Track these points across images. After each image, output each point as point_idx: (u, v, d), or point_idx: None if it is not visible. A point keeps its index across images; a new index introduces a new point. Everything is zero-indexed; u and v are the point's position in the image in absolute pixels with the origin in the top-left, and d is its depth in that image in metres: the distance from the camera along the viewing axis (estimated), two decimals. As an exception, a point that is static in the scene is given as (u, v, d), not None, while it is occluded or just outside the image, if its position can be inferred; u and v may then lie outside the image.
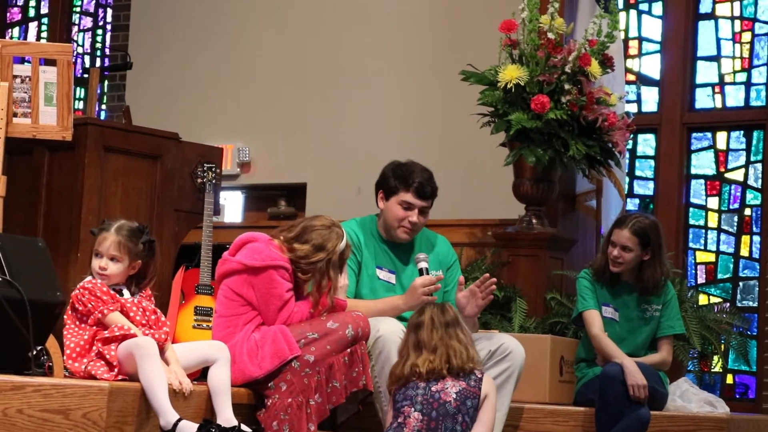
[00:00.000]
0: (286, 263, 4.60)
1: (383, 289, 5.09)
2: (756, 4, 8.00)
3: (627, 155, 7.50)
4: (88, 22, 10.64)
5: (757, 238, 7.74)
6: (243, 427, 4.24)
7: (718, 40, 8.06)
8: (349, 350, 4.58)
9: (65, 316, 4.33)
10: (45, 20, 10.75)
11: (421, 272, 5.00)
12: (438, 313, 4.63)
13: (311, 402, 4.49)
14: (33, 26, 10.83)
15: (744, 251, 7.79)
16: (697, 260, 7.92)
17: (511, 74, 6.34)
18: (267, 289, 4.57)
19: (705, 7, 8.12)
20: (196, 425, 4.06)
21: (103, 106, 10.12)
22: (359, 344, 4.62)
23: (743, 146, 7.92)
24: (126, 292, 4.39)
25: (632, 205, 8.04)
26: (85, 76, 9.97)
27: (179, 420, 4.03)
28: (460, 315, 4.76)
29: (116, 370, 4.16)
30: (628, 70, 7.92)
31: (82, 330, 4.28)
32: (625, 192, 7.18)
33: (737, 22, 8.04)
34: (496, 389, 4.75)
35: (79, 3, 10.67)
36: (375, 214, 5.28)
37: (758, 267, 7.66)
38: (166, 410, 4.04)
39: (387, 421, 4.59)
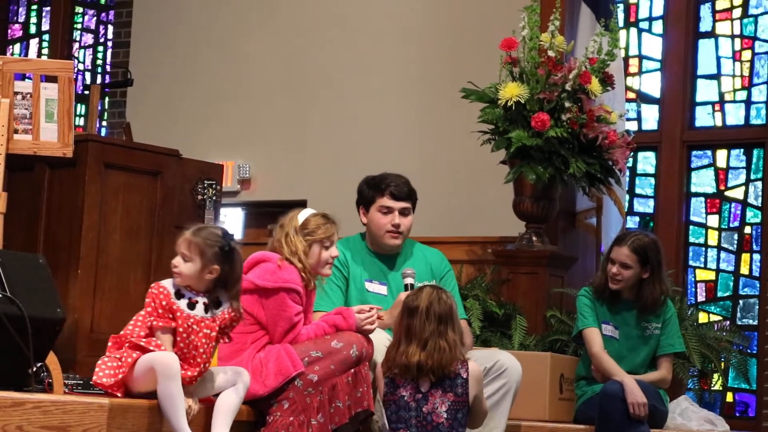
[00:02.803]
0: (298, 286, 4.58)
1: (374, 301, 5.06)
2: (756, 22, 8.01)
3: (627, 173, 7.50)
4: (89, 38, 10.66)
5: (757, 257, 7.73)
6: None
7: (718, 59, 8.08)
8: (352, 371, 4.56)
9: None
10: (46, 37, 10.77)
11: (406, 288, 5.00)
12: (435, 300, 4.55)
13: (313, 422, 4.46)
14: (34, 43, 10.86)
15: (744, 269, 7.79)
16: (697, 278, 7.91)
17: (512, 92, 6.34)
18: (277, 311, 4.55)
19: (705, 25, 8.13)
20: None
21: (104, 123, 10.13)
22: (363, 364, 4.60)
23: (743, 164, 7.92)
24: (200, 307, 4.20)
25: (632, 222, 8.03)
26: (86, 92, 9.99)
27: None
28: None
29: (120, 376, 4.09)
30: (628, 88, 7.93)
31: (146, 323, 4.16)
32: (625, 210, 7.18)
33: (737, 41, 8.05)
34: (492, 406, 4.83)
35: (80, 20, 10.70)
36: (360, 233, 5.32)
37: (758, 285, 7.65)
38: (183, 430, 4.03)
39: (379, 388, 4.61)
